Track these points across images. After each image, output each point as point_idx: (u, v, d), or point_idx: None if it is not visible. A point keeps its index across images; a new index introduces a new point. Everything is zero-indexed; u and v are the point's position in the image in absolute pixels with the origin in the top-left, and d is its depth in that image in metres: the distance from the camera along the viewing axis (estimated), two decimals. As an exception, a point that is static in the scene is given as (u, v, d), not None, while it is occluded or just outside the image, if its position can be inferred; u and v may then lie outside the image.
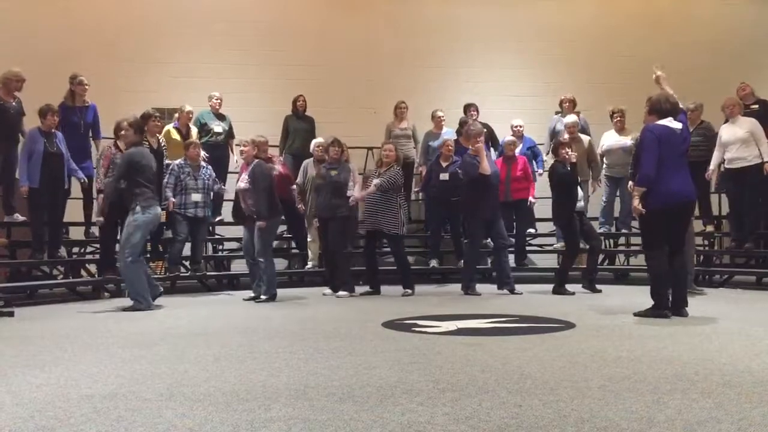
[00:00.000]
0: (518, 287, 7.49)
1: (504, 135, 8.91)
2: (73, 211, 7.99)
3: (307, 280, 8.99)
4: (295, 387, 3.04)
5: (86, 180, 7.67)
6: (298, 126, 9.43)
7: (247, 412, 2.63)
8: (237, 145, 7.07)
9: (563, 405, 2.67)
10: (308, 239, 8.63)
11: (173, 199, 7.71)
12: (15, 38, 9.71)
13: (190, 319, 5.67)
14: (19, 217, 7.34)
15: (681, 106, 5.51)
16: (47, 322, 5.57)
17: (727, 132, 7.70)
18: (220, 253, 9.70)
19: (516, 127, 9.16)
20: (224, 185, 8.70)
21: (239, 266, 8.83)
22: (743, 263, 8.65)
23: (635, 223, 7.54)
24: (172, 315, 5.93)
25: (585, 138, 8.81)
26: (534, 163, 9.12)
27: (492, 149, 8.71)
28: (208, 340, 4.39)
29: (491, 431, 2.36)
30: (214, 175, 8.19)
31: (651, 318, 5.18)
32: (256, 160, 6.94)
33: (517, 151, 8.89)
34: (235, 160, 8.93)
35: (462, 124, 9.01)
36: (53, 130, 7.22)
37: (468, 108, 9.37)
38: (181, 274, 8.20)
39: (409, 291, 7.44)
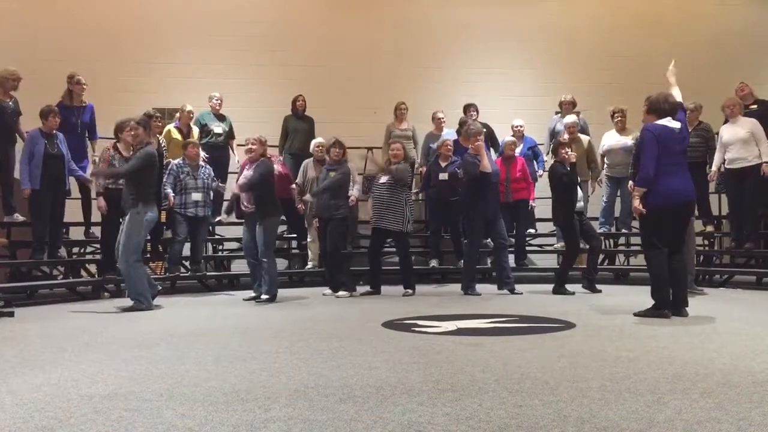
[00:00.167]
0: (518, 287, 7.50)
1: (504, 135, 8.91)
2: (73, 211, 8.00)
3: (307, 280, 8.99)
4: (295, 387, 3.04)
5: (91, 180, 7.68)
6: (298, 126, 9.43)
7: (247, 412, 2.63)
8: (246, 142, 7.02)
9: (563, 405, 2.67)
10: (308, 239, 8.63)
11: (172, 196, 7.69)
12: (15, 38, 9.72)
13: (190, 319, 5.67)
14: (19, 217, 7.34)
15: (680, 100, 5.51)
16: (47, 322, 5.57)
17: (727, 132, 7.71)
18: (220, 253, 9.70)
19: (516, 127, 9.17)
20: (224, 184, 8.72)
21: (239, 266, 8.83)
22: (743, 263, 8.65)
23: (635, 223, 7.55)
24: (173, 315, 5.93)
25: (584, 138, 8.82)
26: (534, 163, 9.13)
27: (492, 149, 8.70)
28: (208, 341, 4.39)
29: (491, 431, 2.36)
30: (213, 174, 8.20)
31: (651, 318, 5.18)
32: (262, 158, 6.98)
33: (518, 151, 8.89)
34: (236, 160, 8.94)
35: (462, 124, 9.01)
36: (54, 131, 7.22)
37: (468, 108, 9.37)
38: (181, 275, 8.20)
39: (410, 291, 7.44)
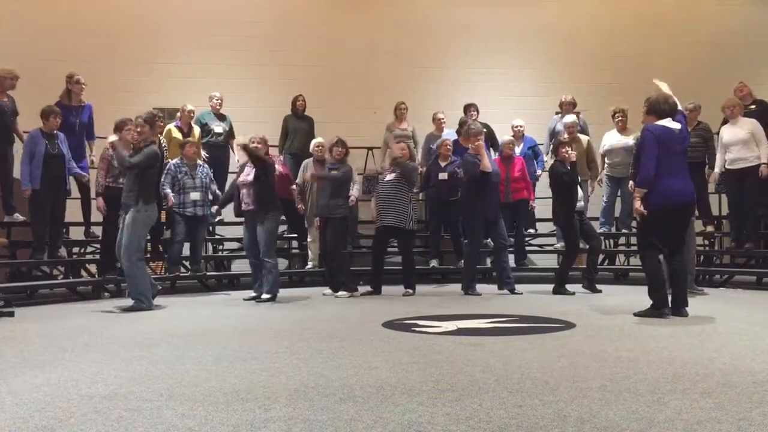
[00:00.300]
0: (518, 287, 7.50)
1: (504, 135, 8.91)
2: (73, 211, 8.00)
3: (307, 280, 8.99)
4: (295, 387, 3.03)
5: (87, 176, 7.67)
6: (298, 126, 9.42)
7: (247, 412, 2.63)
8: (251, 141, 7.01)
9: (563, 405, 2.67)
10: (308, 239, 8.63)
11: (172, 196, 7.68)
12: (15, 38, 9.72)
13: (190, 319, 5.67)
14: (19, 217, 7.34)
15: (680, 107, 5.52)
16: (47, 322, 5.57)
17: (728, 133, 7.71)
18: (220, 253, 9.70)
19: (516, 127, 9.17)
20: (225, 185, 8.73)
21: (239, 266, 8.84)
22: (743, 263, 8.65)
23: (635, 223, 7.55)
24: (173, 315, 5.93)
25: (584, 138, 8.81)
26: (534, 163, 9.12)
27: (492, 150, 8.71)
28: (208, 341, 4.39)
29: (491, 431, 2.36)
30: (211, 174, 8.20)
31: (651, 318, 5.18)
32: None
33: (518, 151, 8.90)
34: (236, 160, 8.93)
35: (462, 124, 9.01)
36: (55, 131, 7.23)
37: (468, 108, 9.37)
38: (181, 274, 8.20)
39: (410, 291, 7.44)
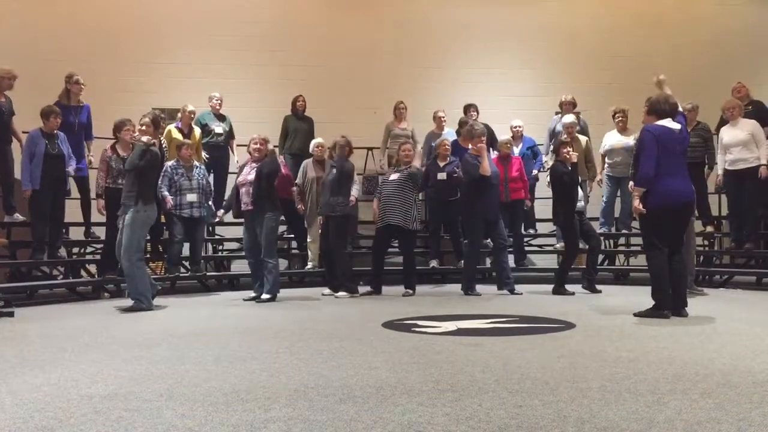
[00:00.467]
0: (518, 287, 7.50)
1: (503, 135, 8.90)
2: (73, 211, 8.00)
3: (307, 280, 8.99)
4: (295, 387, 3.03)
5: (82, 171, 7.67)
6: (298, 126, 9.42)
7: (247, 412, 2.63)
8: (251, 141, 7.01)
9: (563, 405, 2.67)
10: (308, 239, 8.63)
11: (170, 198, 7.67)
12: (15, 38, 9.72)
13: (190, 319, 5.67)
14: (19, 217, 7.34)
15: (679, 108, 5.52)
16: (47, 322, 5.57)
17: (728, 134, 7.71)
18: (220, 254, 9.70)
19: (515, 127, 9.17)
20: (225, 185, 8.73)
21: (239, 266, 8.83)
22: (743, 264, 8.65)
23: (635, 224, 7.55)
24: (173, 315, 5.93)
25: (582, 138, 8.79)
26: (533, 163, 9.11)
27: (492, 150, 8.70)
28: (208, 341, 4.39)
29: (491, 431, 2.36)
30: (207, 175, 8.19)
31: (651, 318, 5.18)
32: (271, 155, 7.03)
33: (517, 151, 8.90)
34: (236, 161, 8.94)
35: (462, 124, 9.01)
36: (55, 131, 7.23)
37: (468, 108, 9.37)
38: (181, 275, 8.20)
39: (410, 291, 7.44)
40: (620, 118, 8.75)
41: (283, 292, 7.17)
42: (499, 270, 7.69)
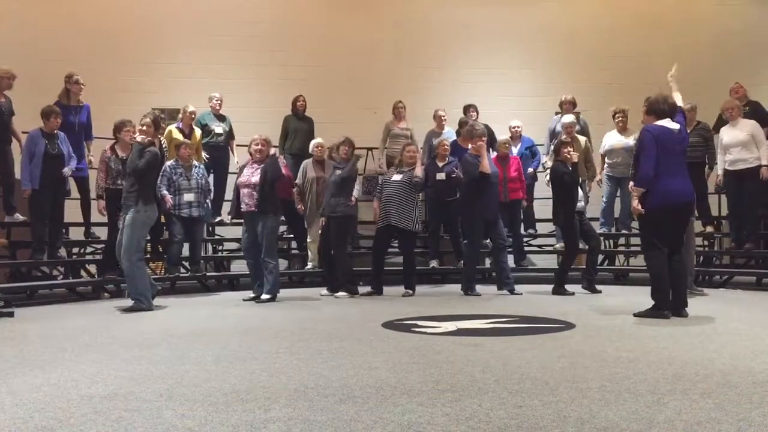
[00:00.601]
0: (518, 287, 7.50)
1: (501, 135, 8.90)
2: (73, 211, 8.00)
3: (307, 280, 8.99)
4: (295, 387, 3.03)
5: (82, 171, 7.67)
6: (298, 126, 9.42)
7: (247, 412, 2.63)
8: (252, 142, 7.01)
9: (563, 405, 2.67)
10: (308, 239, 8.63)
11: (169, 198, 7.67)
12: (15, 38, 9.72)
13: (190, 319, 5.67)
14: (19, 217, 7.34)
15: (680, 105, 5.52)
16: (47, 322, 5.57)
17: (728, 134, 7.71)
18: (219, 254, 9.70)
19: (514, 128, 9.16)
20: (225, 185, 8.73)
21: (239, 266, 8.82)
22: (743, 264, 8.65)
23: (635, 224, 7.55)
24: (173, 315, 5.93)
25: (582, 139, 8.79)
26: (531, 162, 9.10)
27: (492, 150, 8.70)
28: (208, 341, 4.39)
29: (491, 431, 2.37)
30: (207, 175, 8.19)
31: (651, 318, 5.18)
32: (272, 156, 7.03)
33: (515, 151, 8.89)
34: (236, 161, 8.94)
35: (461, 124, 9.01)
36: (55, 131, 7.23)
37: (468, 108, 9.37)
38: (181, 275, 8.20)
39: (410, 291, 7.44)
40: (620, 118, 8.75)
41: (283, 292, 7.17)
42: (498, 270, 7.69)
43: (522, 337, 4.44)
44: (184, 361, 3.69)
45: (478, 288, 7.46)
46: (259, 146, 6.91)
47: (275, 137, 9.26)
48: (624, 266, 9.54)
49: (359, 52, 10.87)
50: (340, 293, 7.28)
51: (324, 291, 7.57)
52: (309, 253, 8.69)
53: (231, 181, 8.54)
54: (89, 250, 8.47)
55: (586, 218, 7.79)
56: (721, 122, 8.03)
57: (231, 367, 3.52)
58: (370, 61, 10.89)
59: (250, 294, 7.07)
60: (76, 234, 8.31)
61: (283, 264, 9.12)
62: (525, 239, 9.23)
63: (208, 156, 8.72)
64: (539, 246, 9.63)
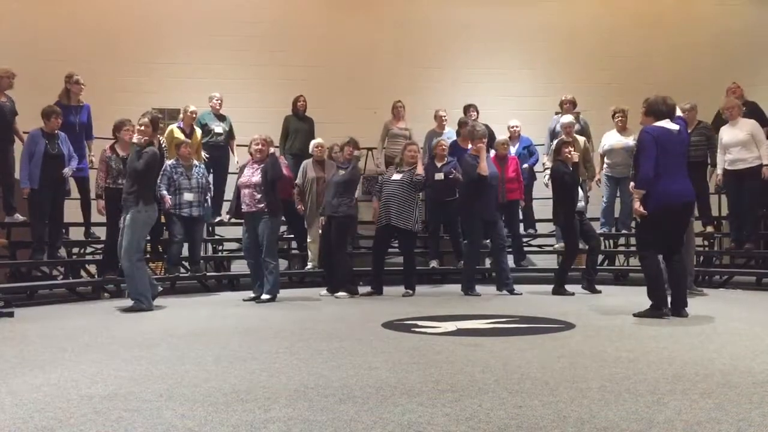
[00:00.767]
0: (518, 287, 7.49)
1: (500, 136, 8.90)
2: (73, 211, 8.00)
3: (307, 280, 8.99)
4: (295, 387, 3.04)
5: (83, 171, 7.67)
6: (299, 126, 9.42)
7: (246, 412, 2.63)
8: (252, 142, 7.00)
9: (563, 405, 2.67)
10: (308, 239, 8.63)
11: (169, 198, 7.66)
12: (15, 38, 9.72)
13: (190, 319, 5.67)
14: (19, 217, 7.34)
15: (678, 113, 5.52)
16: (47, 322, 5.57)
17: (727, 134, 7.70)
18: (219, 254, 9.70)
19: (512, 127, 9.16)
20: (225, 185, 8.72)
21: (239, 266, 8.83)
22: (743, 264, 8.64)
23: (635, 224, 7.54)
24: (172, 315, 5.93)
25: (581, 139, 8.79)
26: (528, 160, 9.08)
27: (491, 149, 8.69)
28: (208, 341, 4.39)
29: (491, 431, 2.37)
30: (207, 174, 8.19)
31: (651, 318, 5.18)
32: (273, 156, 7.02)
33: (513, 150, 8.89)
34: (236, 161, 8.94)
35: (461, 124, 9.01)
36: (56, 131, 7.23)
37: (468, 108, 9.36)
38: (181, 275, 8.20)
39: (410, 291, 7.44)
40: (620, 118, 8.74)
41: (283, 292, 7.17)
42: (498, 271, 7.69)
43: (522, 337, 4.44)
44: (184, 361, 3.69)
45: (478, 288, 7.46)
46: (259, 146, 6.91)
47: (275, 137, 9.27)
48: (624, 266, 9.54)
49: (359, 52, 10.87)
50: (340, 293, 7.28)
51: (324, 291, 7.57)
52: (309, 253, 8.69)
53: (231, 180, 8.55)
54: (89, 250, 8.47)
55: (586, 218, 7.79)
56: (719, 122, 8.03)
57: (231, 367, 3.52)
58: (370, 61, 10.89)
59: (250, 294, 7.07)
60: (76, 234, 8.31)
61: (283, 264, 9.12)
62: (525, 239, 9.23)
63: (207, 155, 8.72)
64: (539, 246, 9.63)
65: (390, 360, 3.65)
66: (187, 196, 7.81)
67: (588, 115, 9.66)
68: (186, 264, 8.22)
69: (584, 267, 7.89)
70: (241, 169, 7.24)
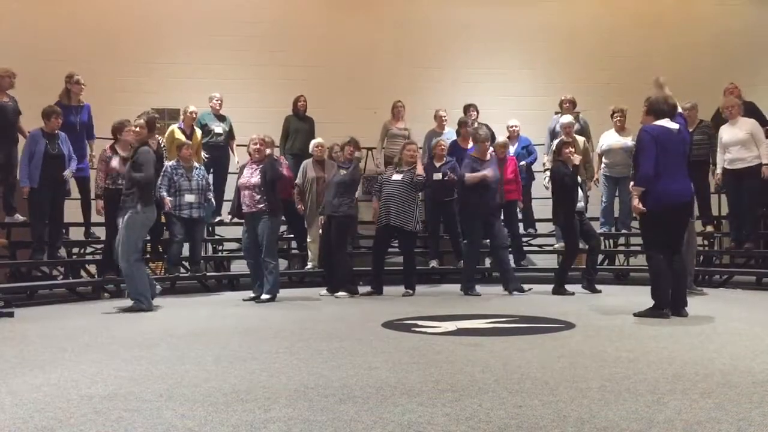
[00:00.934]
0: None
1: (500, 137, 8.88)
2: (73, 211, 8.00)
3: (307, 280, 8.99)
4: (295, 387, 3.04)
5: (83, 171, 7.67)
6: (299, 126, 9.41)
7: (247, 412, 2.64)
8: (251, 142, 7.00)
9: (563, 405, 2.67)
10: (308, 239, 8.63)
11: (168, 199, 7.66)
12: (15, 38, 9.71)
13: (190, 319, 5.67)
14: (19, 218, 7.34)
15: (679, 110, 5.52)
16: (47, 322, 5.57)
17: (727, 133, 7.70)
18: (219, 254, 9.70)
19: (511, 127, 9.16)
20: (225, 186, 8.72)
21: (239, 266, 8.82)
22: (743, 263, 8.64)
23: (635, 224, 7.54)
24: (172, 315, 5.93)
25: (580, 139, 8.78)
26: (525, 159, 9.07)
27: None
28: (208, 341, 4.39)
29: (491, 431, 2.36)
30: (207, 177, 8.19)
31: (651, 318, 5.18)
32: (271, 157, 7.02)
33: (512, 150, 8.89)
34: (236, 161, 8.94)
35: (461, 124, 9.01)
36: (56, 131, 7.23)
37: (468, 108, 9.36)
38: (181, 275, 8.20)
39: (410, 291, 7.44)
40: (618, 118, 8.75)
41: (283, 292, 7.17)
42: (501, 271, 7.68)
43: (522, 337, 4.44)
44: (184, 361, 3.69)
45: (478, 288, 7.46)
46: (257, 146, 6.92)
47: (276, 137, 9.27)
48: (624, 266, 9.54)
49: (359, 52, 10.86)
50: (340, 293, 7.28)
51: (324, 291, 7.57)
52: (309, 253, 8.69)
53: (231, 181, 8.55)
54: (89, 250, 8.46)
55: (586, 218, 7.79)
56: (718, 121, 8.02)
57: (231, 367, 3.52)
58: (370, 61, 10.88)
59: (250, 294, 7.07)
60: (76, 234, 8.31)
61: (283, 264, 9.12)
62: (525, 239, 9.23)
63: (207, 156, 8.72)
64: (539, 246, 9.63)
65: (390, 360, 3.65)
66: (188, 198, 7.80)
67: (588, 115, 9.65)
68: (186, 264, 8.22)
69: (584, 267, 7.89)
70: (241, 169, 7.24)
